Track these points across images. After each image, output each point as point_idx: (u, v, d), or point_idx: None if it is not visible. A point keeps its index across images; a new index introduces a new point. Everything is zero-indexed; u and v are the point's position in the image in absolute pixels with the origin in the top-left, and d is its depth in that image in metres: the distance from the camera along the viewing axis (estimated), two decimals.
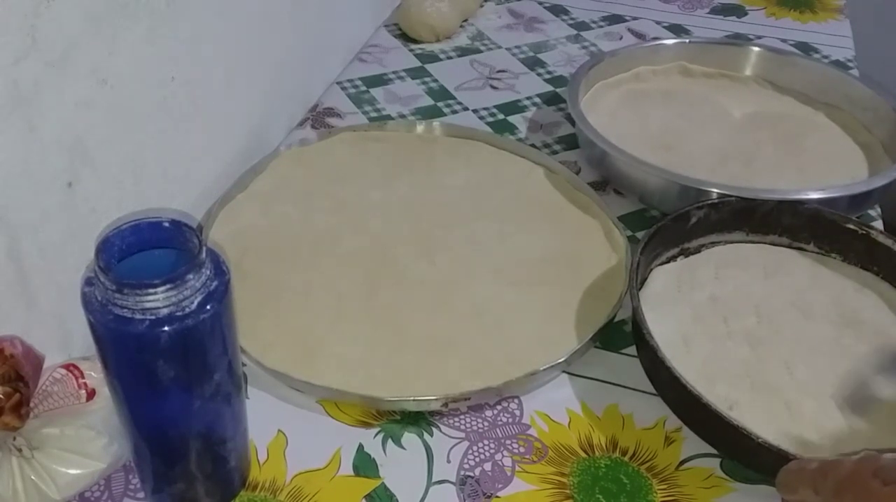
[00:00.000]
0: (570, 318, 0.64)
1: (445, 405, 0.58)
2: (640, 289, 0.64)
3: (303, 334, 0.62)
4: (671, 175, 0.74)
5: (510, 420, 0.59)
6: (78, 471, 0.51)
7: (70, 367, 0.54)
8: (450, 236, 0.72)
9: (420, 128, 0.84)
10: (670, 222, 0.67)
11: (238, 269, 0.65)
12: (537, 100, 0.94)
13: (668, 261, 0.69)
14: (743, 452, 0.55)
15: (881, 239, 0.67)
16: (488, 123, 0.90)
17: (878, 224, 0.77)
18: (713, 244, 0.71)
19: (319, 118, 0.89)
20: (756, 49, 0.95)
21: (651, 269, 0.68)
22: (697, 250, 0.71)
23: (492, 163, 0.81)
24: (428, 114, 0.90)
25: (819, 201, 0.71)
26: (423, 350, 0.61)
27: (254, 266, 0.67)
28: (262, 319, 0.63)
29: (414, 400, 0.57)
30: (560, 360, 0.59)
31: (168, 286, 0.41)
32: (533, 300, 0.66)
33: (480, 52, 1.03)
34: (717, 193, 0.71)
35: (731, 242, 0.71)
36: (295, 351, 0.61)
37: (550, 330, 0.63)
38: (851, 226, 0.69)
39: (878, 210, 0.79)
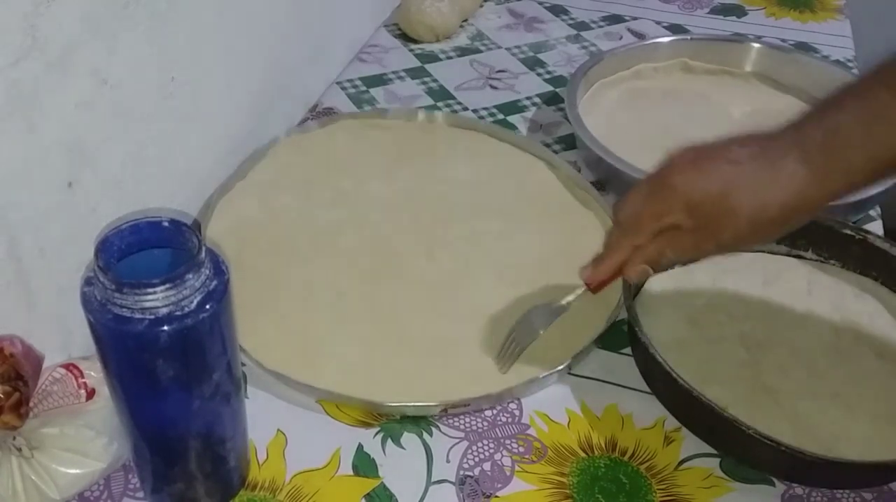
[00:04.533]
0: (570, 321, 0.64)
1: (445, 411, 0.58)
2: (636, 295, 0.65)
3: (303, 334, 0.62)
4: None
5: (510, 420, 0.59)
6: (78, 471, 0.51)
7: (70, 367, 0.54)
8: (450, 233, 0.71)
9: (421, 116, 0.83)
10: None
11: (237, 263, 0.65)
12: (537, 100, 0.94)
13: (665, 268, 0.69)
14: (736, 445, 0.55)
15: (878, 243, 0.67)
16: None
17: (878, 224, 0.77)
18: None
19: (319, 118, 0.89)
20: (757, 45, 0.95)
21: None
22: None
23: (493, 157, 0.80)
24: None
25: None
26: (424, 352, 0.61)
27: (253, 260, 0.67)
28: (261, 317, 0.63)
29: (414, 405, 0.57)
30: (560, 368, 0.59)
31: (167, 285, 0.41)
32: (533, 301, 0.66)
33: (480, 51, 1.03)
34: None
35: None
36: (295, 351, 0.60)
37: (550, 333, 0.63)
38: (848, 232, 0.68)
39: (878, 210, 0.79)
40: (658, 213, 0.50)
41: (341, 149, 0.79)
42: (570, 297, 0.57)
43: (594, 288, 0.56)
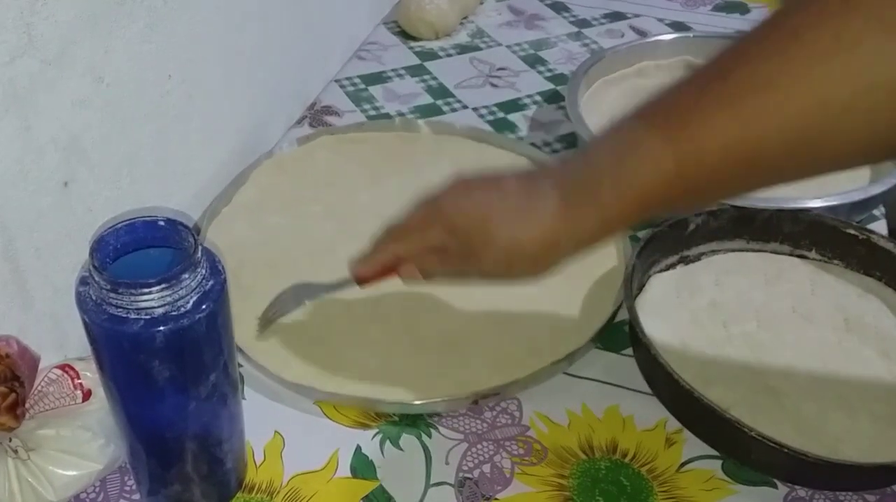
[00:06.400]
0: (580, 309, 0.64)
1: (476, 402, 0.58)
2: (638, 296, 0.64)
3: (314, 344, 0.62)
4: None
5: (509, 421, 0.59)
6: (74, 473, 0.51)
7: (65, 368, 0.54)
8: None
9: (399, 125, 0.83)
10: (668, 228, 0.67)
11: (236, 284, 0.64)
12: (538, 98, 0.94)
13: (667, 269, 0.69)
14: (738, 447, 0.54)
15: (882, 243, 0.67)
16: (488, 122, 0.89)
17: (882, 223, 0.76)
18: (713, 252, 0.70)
19: (318, 116, 0.89)
20: None
21: (650, 277, 0.67)
22: (697, 258, 0.70)
23: (479, 160, 0.80)
24: (427, 112, 0.90)
25: (818, 208, 0.70)
26: (436, 350, 0.61)
27: (253, 280, 0.66)
28: (273, 335, 0.62)
29: (444, 400, 0.57)
30: (578, 348, 0.60)
31: (163, 285, 0.40)
32: (538, 294, 0.65)
33: (480, 49, 1.02)
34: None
35: (732, 250, 0.70)
36: (313, 363, 0.60)
37: (560, 321, 0.63)
38: (852, 232, 0.68)
39: (882, 209, 0.78)
40: (423, 230, 0.50)
41: (323, 166, 0.79)
42: (336, 282, 0.57)
43: (360, 283, 0.55)
